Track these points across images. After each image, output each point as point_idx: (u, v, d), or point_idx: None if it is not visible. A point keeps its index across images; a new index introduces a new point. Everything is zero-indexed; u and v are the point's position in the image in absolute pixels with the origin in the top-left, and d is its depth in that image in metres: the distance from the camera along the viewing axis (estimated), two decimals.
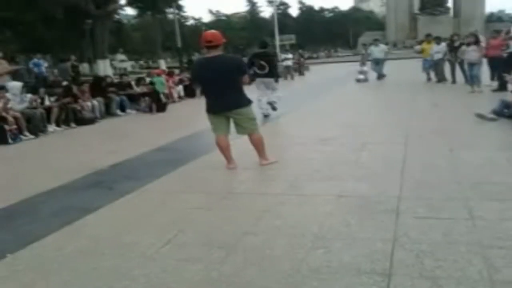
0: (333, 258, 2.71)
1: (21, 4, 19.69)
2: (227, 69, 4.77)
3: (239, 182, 4.72)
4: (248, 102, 5.03)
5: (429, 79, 14.27)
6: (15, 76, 11.46)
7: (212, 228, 3.40)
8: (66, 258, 3.03)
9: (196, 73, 5.40)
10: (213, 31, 5.15)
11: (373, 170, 4.65)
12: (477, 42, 10.88)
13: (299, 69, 24.06)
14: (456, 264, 2.53)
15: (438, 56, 13.59)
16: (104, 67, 23.63)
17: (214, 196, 4.19)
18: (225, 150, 5.06)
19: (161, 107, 11.69)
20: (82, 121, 10.09)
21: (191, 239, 3.21)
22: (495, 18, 71.77)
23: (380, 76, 16.41)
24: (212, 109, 4.96)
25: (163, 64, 22.85)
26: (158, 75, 13.44)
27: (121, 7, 29.00)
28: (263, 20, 65.08)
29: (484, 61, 11.08)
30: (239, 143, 5.32)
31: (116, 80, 14.49)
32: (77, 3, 20.96)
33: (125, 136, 8.69)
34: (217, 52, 4.79)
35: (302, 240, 3.01)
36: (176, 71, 19.04)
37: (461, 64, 12.12)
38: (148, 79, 13.52)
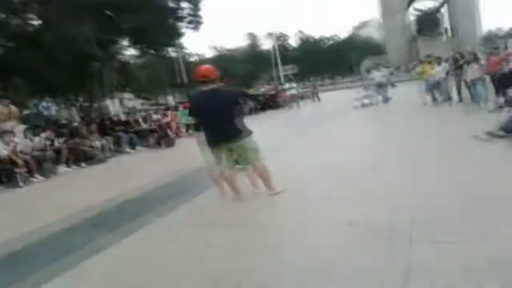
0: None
1: (31, 53, 20.17)
2: (224, 101, 4.76)
3: (247, 213, 4.67)
4: (248, 133, 4.93)
5: (434, 99, 13.85)
6: (25, 120, 11.71)
7: (221, 265, 3.28)
8: None
9: (193, 107, 5.17)
10: (206, 66, 5.20)
11: (384, 195, 4.56)
12: (476, 59, 10.88)
13: (316, 95, 26.83)
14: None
15: (441, 76, 13.26)
16: (113, 106, 23.99)
17: (222, 231, 4.14)
18: (230, 181, 5.01)
19: (169, 142, 11.82)
20: (92, 160, 10.20)
21: (200, 278, 3.12)
22: (493, 36, 71.86)
23: (386, 100, 16.42)
24: (212, 142, 4.92)
25: (171, 101, 23.12)
26: (184, 108, 13.64)
27: (124, 47, 29.73)
28: (265, 52, 65.81)
29: (487, 78, 10.98)
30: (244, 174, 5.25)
31: (124, 118, 14.75)
32: (86, 50, 21.55)
33: (135, 172, 8.74)
34: (213, 86, 4.82)
35: (311, 274, 2.92)
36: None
37: (466, 83, 11.98)
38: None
